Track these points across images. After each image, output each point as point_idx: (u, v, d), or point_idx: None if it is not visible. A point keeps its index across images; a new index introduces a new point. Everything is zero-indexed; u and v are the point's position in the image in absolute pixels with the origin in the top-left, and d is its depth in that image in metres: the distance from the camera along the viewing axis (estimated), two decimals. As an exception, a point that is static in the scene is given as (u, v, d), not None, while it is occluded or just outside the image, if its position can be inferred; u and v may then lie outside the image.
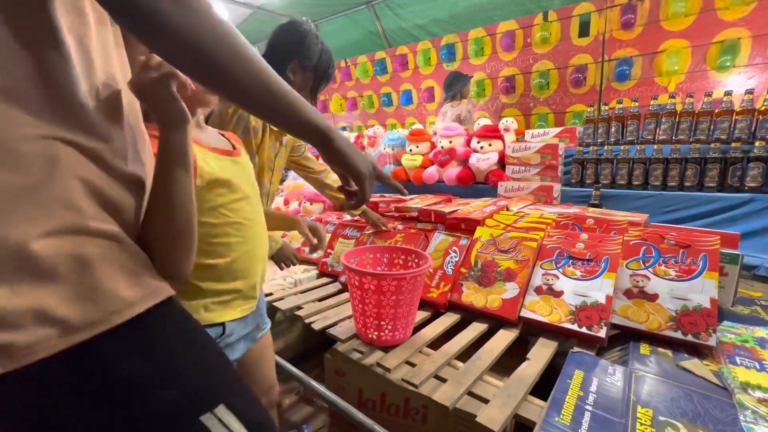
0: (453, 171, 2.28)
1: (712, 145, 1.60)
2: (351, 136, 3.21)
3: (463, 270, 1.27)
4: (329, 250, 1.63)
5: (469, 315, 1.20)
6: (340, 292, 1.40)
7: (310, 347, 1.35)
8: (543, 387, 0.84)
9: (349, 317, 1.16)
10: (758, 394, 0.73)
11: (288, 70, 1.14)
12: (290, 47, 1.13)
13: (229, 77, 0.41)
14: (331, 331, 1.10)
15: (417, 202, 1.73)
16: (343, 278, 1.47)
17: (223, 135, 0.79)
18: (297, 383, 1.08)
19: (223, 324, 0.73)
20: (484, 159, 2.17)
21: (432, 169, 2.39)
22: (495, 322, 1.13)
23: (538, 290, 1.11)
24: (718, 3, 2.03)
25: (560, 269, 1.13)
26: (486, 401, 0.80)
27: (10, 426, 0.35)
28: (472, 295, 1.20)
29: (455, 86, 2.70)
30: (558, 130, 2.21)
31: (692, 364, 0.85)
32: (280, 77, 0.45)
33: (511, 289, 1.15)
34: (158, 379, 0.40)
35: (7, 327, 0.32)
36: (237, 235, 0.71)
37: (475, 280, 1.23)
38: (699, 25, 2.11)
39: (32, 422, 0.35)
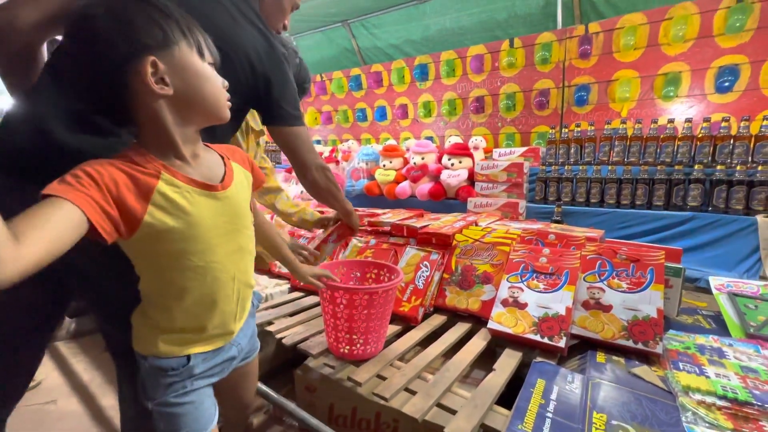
0: (425, 186, 2.35)
1: (659, 168, 1.76)
2: (326, 150, 3.23)
3: (445, 275, 1.36)
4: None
5: (453, 317, 1.29)
6: (311, 307, 1.39)
7: (281, 363, 1.32)
8: (510, 395, 0.88)
9: (320, 332, 1.16)
10: (698, 396, 0.80)
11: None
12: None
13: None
14: (303, 346, 1.09)
15: (390, 216, 1.76)
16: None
17: (224, 157, 0.70)
18: (266, 401, 1.06)
19: (187, 356, 0.66)
20: (454, 175, 2.26)
21: (405, 184, 2.45)
22: (476, 322, 1.23)
23: (505, 302, 1.16)
24: (662, 39, 2.25)
25: (525, 282, 1.19)
26: (454, 412, 0.82)
27: None
28: (455, 299, 1.29)
29: None
30: (523, 149, 2.34)
31: (642, 370, 0.92)
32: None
33: (488, 291, 1.26)
34: None
35: None
36: (195, 279, 0.64)
37: (456, 284, 1.32)
38: (646, 58, 2.33)
39: None
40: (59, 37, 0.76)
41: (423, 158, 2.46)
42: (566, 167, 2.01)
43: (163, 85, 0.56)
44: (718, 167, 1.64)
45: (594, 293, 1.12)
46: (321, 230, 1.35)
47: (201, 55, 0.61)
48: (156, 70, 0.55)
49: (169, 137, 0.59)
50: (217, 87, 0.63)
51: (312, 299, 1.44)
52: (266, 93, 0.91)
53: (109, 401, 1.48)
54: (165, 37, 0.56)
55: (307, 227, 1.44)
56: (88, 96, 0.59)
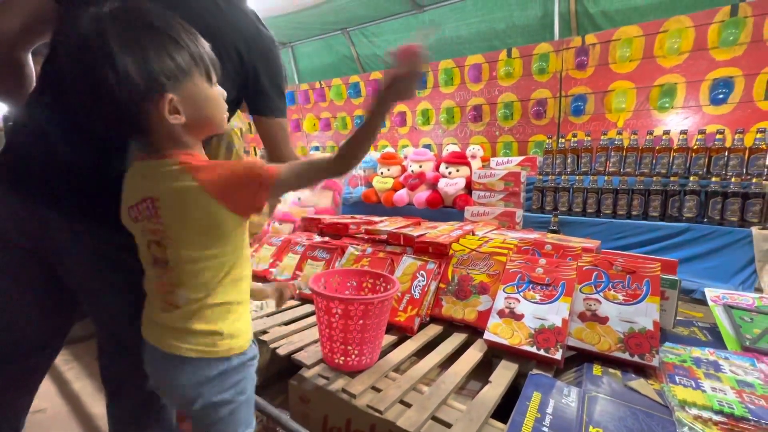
0: (422, 194, 2.35)
1: (654, 179, 1.77)
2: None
3: (441, 285, 1.35)
4: (297, 272, 1.61)
5: (449, 327, 1.28)
6: (306, 316, 1.38)
7: (275, 373, 1.31)
8: (506, 406, 0.87)
9: (315, 342, 1.15)
10: (694, 411, 0.79)
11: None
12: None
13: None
14: (297, 356, 1.08)
15: (387, 224, 1.76)
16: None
17: None
18: (259, 412, 1.04)
19: (253, 340, 0.73)
20: (452, 184, 2.26)
21: (402, 192, 2.45)
22: (472, 332, 1.23)
23: (501, 313, 1.16)
24: (657, 51, 2.28)
25: (521, 293, 1.19)
26: (449, 425, 0.81)
27: None
28: (451, 308, 1.29)
29: None
30: (520, 158, 2.35)
31: (638, 384, 0.91)
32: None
33: (485, 302, 1.25)
34: None
35: None
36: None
37: (453, 294, 1.32)
38: (642, 70, 2.35)
39: None
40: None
41: (421, 166, 2.47)
42: (563, 177, 2.02)
43: (177, 114, 0.59)
44: (713, 179, 1.65)
45: (590, 305, 1.12)
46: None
47: (209, 80, 0.63)
48: (171, 104, 0.58)
49: (182, 147, 0.63)
50: (222, 107, 0.67)
51: (307, 308, 1.43)
52: (254, 82, 0.86)
53: (101, 409, 1.46)
54: (179, 71, 0.58)
55: None
56: (95, 114, 0.59)
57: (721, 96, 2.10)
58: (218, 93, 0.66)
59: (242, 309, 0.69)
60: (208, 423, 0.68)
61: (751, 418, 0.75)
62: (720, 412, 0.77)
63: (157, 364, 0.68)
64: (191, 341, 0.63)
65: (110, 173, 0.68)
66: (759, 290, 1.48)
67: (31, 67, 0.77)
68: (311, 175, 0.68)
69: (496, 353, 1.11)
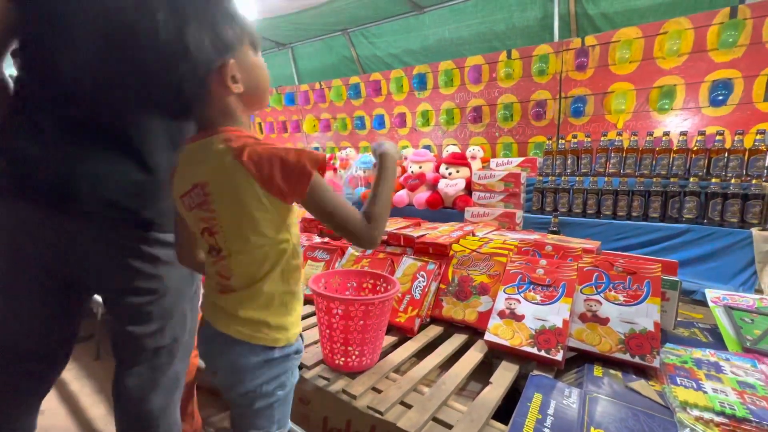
0: (422, 195, 2.35)
1: (654, 180, 1.77)
2: (323, 157, 3.23)
3: (442, 286, 1.35)
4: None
5: (449, 328, 1.28)
6: (306, 316, 1.38)
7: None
8: (507, 407, 0.87)
9: (315, 343, 1.15)
10: (695, 412, 0.79)
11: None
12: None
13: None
14: (297, 357, 1.08)
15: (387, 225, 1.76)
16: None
17: None
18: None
19: (300, 334, 0.74)
20: (452, 185, 2.26)
21: (402, 193, 2.45)
22: (473, 333, 1.23)
23: (501, 314, 1.16)
24: (657, 53, 2.29)
25: (522, 294, 1.18)
26: (450, 426, 0.81)
27: None
28: (452, 309, 1.28)
29: None
30: (520, 159, 2.35)
31: (639, 385, 0.91)
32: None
33: (485, 302, 1.25)
34: None
35: None
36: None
37: (453, 294, 1.32)
38: (642, 71, 2.36)
39: None
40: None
41: (420, 167, 2.47)
42: (563, 178, 2.02)
43: (235, 82, 0.61)
44: (713, 180, 1.66)
45: (591, 306, 1.12)
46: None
47: (256, 49, 0.65)
48: (233, 71, 0.60)
49: (233, 123, 0.63)
50: (268, 77, 0.68)
51: (307, 309, 1.43)
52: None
53: (100, 411, 1.45)
54: (237, 39, 0.60)
55: None
56: (149, 90, 0.59)
57: (720, 97, 2.11)
58: (263, 62, 0.67)
59: (293, 301, 0.69)
60: (248, 414, 0.69)
61: (752, 419, 0.75)
62: (721, 413, 0.77)
63: (209, 342, 0.70)
64: (240, 325, 0.65)
65: (119, 169, 0.67)
66: (759, 291, 1.47)
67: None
68: (343, 212, 0.65)
69: (496, 354, 1.11)
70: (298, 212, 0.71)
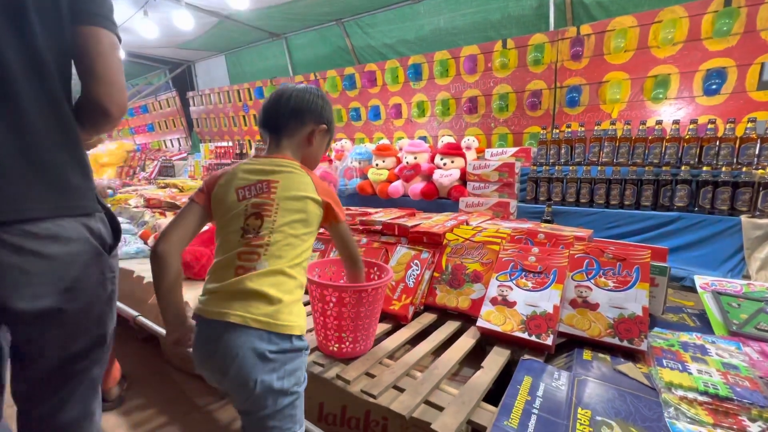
0: (417, 186, 2.36)
1: (647, 168, 1.78)
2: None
3: (436, 274, 1.37)
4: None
5: (443, 315, 1.30)
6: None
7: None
8: (498, 392, 0.89)
9: (310, 330, 1.16)
10: (680, 392, 0.81)
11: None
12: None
13: None
14: (292, 344, 1.09)
15: (381, 215, 1.76)
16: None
17: None
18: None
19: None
20: (446, 175, 2.26)
21: (397, 184, 2.45)
22: (466, 320, 1.25)
23: (494, 301, 1.17)
24: (651, 42, 2.28)
25: (514, 281, 1.20)
26: (442, 409, 0.83)
27: None
28: (445, 297, 1.30)
29: None
30: (515, 149, 2.36)
31: (627, 367, 0.93)
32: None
33: (478, 290, 1.27)
34: None
35: None
36: None
37: (446, 282, 1.33)
38: (636, 60, 2.36)
39: None
40: None
41: (416, 158, 2.47)
42: (557, 167, 2.03)
43: (312, 138, 0.88)
44: (704, 168, 1.67)
45: (581, 291, 1.13)
46: None
47: (330, 136, 0.95)
48: (317, 134, 0.88)
49: (296, 158, 0.87)
50: (319, 159, 0.95)
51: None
52: None
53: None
54: (327, 121, 0.90)
55: None
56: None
57: (714, 86, 2.12)
58: (325, 146, 0.94)
59: (301, 294, 0.79)
60: (267, 415, 0.69)
61: (735, 398, 0.77)
62: (705, 393, 0.79)
63: (218, 343, 0.69)
64: (255, 308, 0.70)
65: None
66: (747, 277, 1.50)
67: None
68: (352, 246, 0.95)
69: (488, 340, 1.13)
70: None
